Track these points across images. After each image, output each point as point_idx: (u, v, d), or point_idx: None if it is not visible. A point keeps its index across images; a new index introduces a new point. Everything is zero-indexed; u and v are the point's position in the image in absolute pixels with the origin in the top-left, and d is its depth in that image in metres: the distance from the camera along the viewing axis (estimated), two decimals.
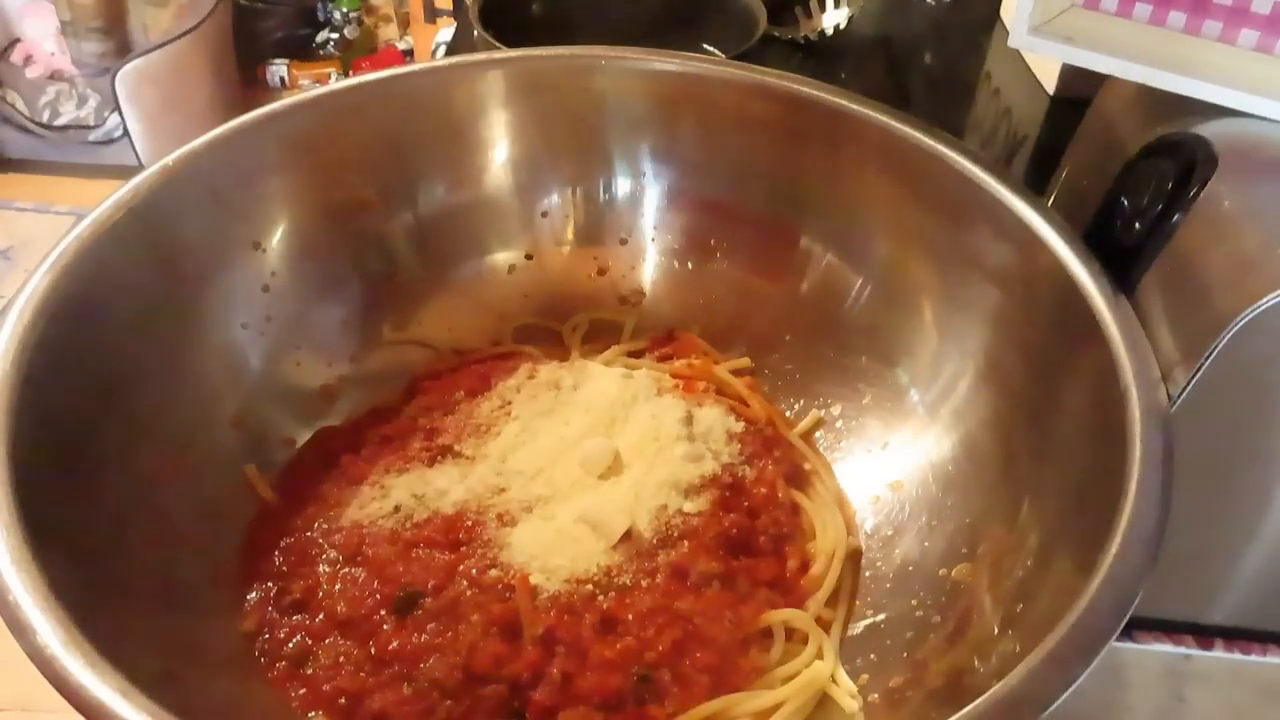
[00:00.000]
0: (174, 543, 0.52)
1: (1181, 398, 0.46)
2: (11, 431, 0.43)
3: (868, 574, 0.58)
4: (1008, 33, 0.56)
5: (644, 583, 0.53)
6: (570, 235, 0.70)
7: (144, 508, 0.51)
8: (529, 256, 0.70)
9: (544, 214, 0.69)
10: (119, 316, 0.52)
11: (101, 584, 0.44)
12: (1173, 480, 0.43)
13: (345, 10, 2.27)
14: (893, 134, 0.60)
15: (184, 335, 0.57)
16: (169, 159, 0.56)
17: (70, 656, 0.37)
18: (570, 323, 0.70)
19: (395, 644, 0.50)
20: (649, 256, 0.70)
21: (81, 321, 0.49)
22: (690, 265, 0.70)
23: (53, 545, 0.41)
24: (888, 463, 0.62)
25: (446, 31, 1.21)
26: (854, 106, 0.61)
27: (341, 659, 0.51)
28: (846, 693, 0.52)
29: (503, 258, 0.69)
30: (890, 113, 0.61)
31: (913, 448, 0.61)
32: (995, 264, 0.57)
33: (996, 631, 0.48)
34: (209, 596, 0.52)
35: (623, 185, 0.69)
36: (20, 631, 0.38)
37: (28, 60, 2.11)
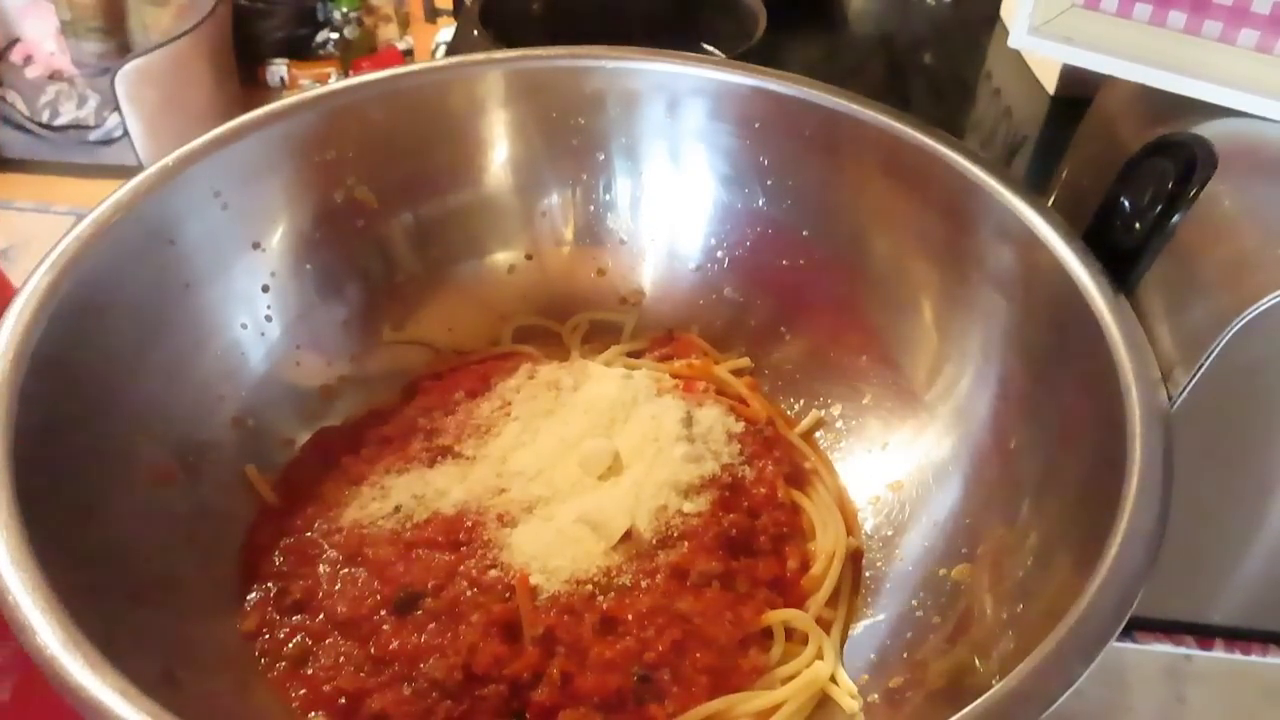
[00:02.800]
0: (174, 543, 0.52)
1: (1181, 398, 0.46)
2: (12, 432, 0.43)
3: (868, 574, 0.58)
4: (1008, 33, 0.56)
5: (644, 583, 0.53)
6: (570, 235, 0.70)
7: (144, 508, 0.51)
8: (528, 257, 0.70)
9: (543, 214, 0.69)
10: (119, 317, 0.52)
11: (102, 584, 0.44)
12: (1173, 480, 0.43)
13: (345, 10, 2.27)
14: (893, 134, 0.60)
15: (184, 335, 0.56)
16: (168, 159, 0.56)
17: (70, 657, 0.37)
18: (570, 323, 0.70)
19: (395, 644, 0.50)
20: (648, 256, 0.70)
21: (81, 322, 0.49)
22: (690, 265, 0.70)
23: (53, 545, 0.41)
24: (888, 463, 0.62)
25: (446, 31, 1.21)
26: (854, 107, 0.61)
27: (341, 659, 0.51)
28: (846, 693, 0.52)
29: (502, 258, 0.69)
30: (890, 112, 0.61)
31: (913, 448, 0.61)
32: (995, 264, 0.57)
33: (996, 631, 0.48)
34: (209, 596, 0.53)
35: (622, 185, 0.69)
36: (21, 631, 0.38)
37: (28, 60, 2.11)
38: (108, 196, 0.53)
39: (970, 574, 0.53)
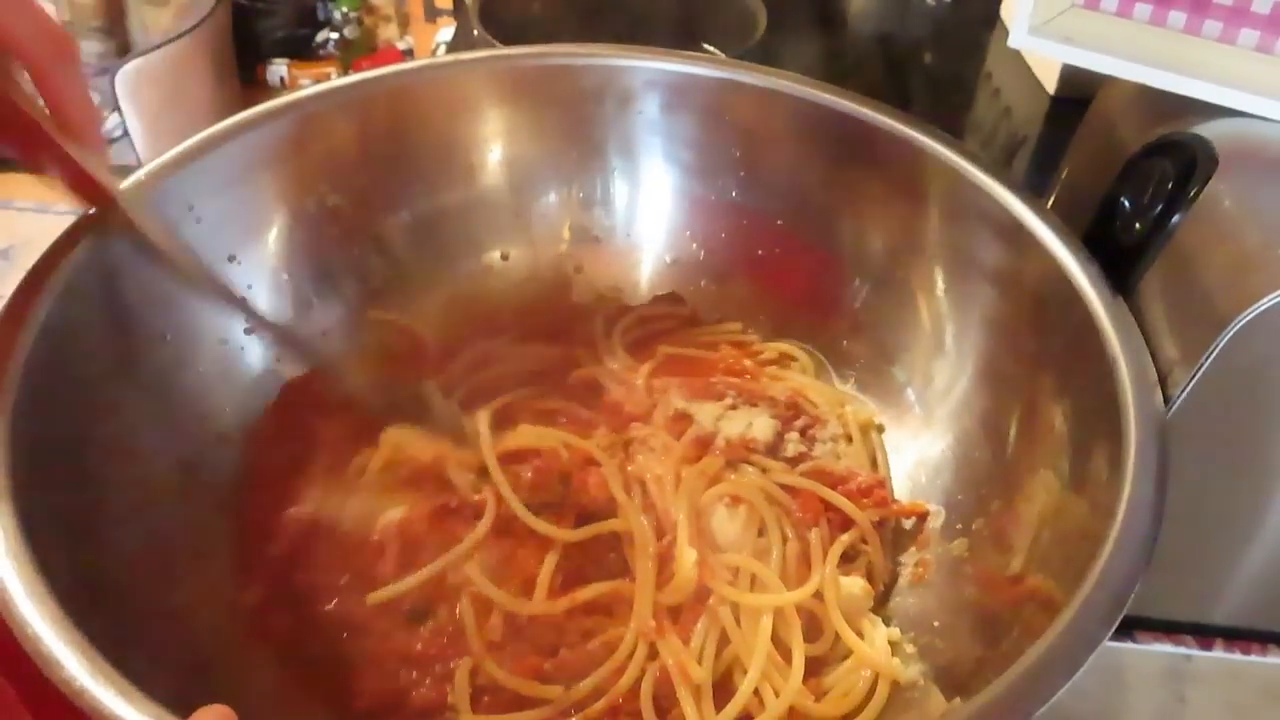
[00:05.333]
0: (176, 563, 0.51)
1: (1181, 398, 0.46)
2: (10, 458, 0.42)
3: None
4: (1008, 33, 0.56)
5: None
6: (566, 234, 0.70)
7: (143, 530, 0.49)
8: (522, 256, 0.69)
9: (540, 213, 0.69)
10: (98, 338, 0.50)
11: (110, 609, 0.43)
12: (1168, 482, 0.43)
13: (345, 10, 2.27)
14: (892, 134, 0.60)
15: (164, 354, 0.54)
16: (140, 173, 0.54)
17: (102, 688, 0.36)
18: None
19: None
20: (646, 254, 0.70)
21: (62, 345, 0.47)
22: (687, 262, 0.70)
23: (60, 571, 0.40)
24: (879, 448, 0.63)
25: (446, 31, 1.21)
26: (853, 106, 0.61)
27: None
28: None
29: (497, 257, 0.68)
30: (889, 112, 0.61)
31: (912, 445, 0.61)
32: (993, 265, 0.57)
33: (1000, 618, 0.48)
34: (214, 612, 0.51)
35: (619, 183, 0.69)
36: (46, 665, 0.37)
37: None
38: (82, 213, 0.51)
39: (968, 548, 0.54)
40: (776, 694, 0.50)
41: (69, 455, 0.47)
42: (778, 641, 0.52)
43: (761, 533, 0.56)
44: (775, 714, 0.49)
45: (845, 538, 0.56)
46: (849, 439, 0.62)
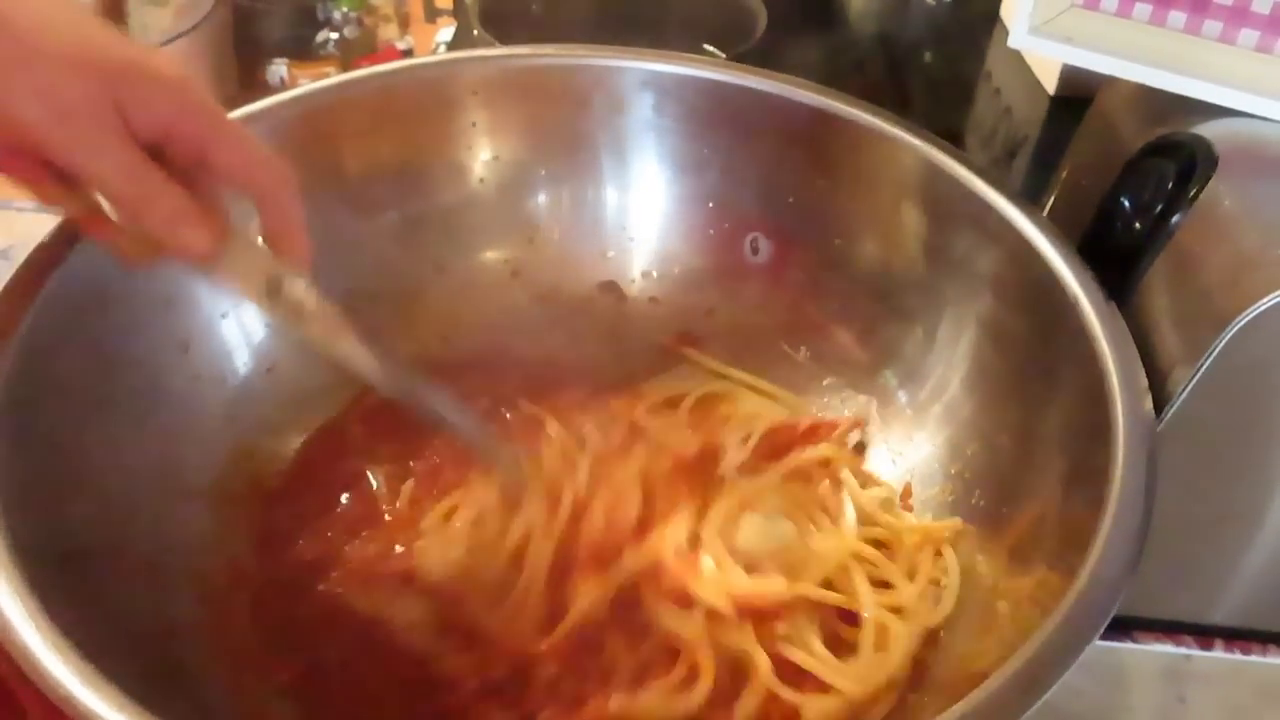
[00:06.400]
0: (165, 612, 0.49)
1: (1182, 398, 0.46)
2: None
3: None
4: (1008, 33, 0.56)
5: None
6: (558, 235, 0.69)
7: (141, 579, 0.48)
8: (511, 256, 0.68)
9: (530, 213, 0.68)
10: (65, 386, 0.49)
11: (113, 639, 0.41)
12: (1156, 488, 0.42)
13: (345, 10, 2.27)
14: (885, 137, 0.60)
15: (133, 401, 0.53)
16: None
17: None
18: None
19: None
20: (639, 255, 0.70)
21: (30, 393, 0.46)
22: (682, 262, 0.69)
23: (61, 606, 0.39)
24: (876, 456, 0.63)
25: (446, 31, 1.21)
26: (848, 109, 0.61)
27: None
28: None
29: (486, 257, 0.68)
30: (883, 115, 0.61)
31: (903, 448, 0.61)
32: (986, 269, 0.57)
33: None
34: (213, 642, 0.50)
35: (610, 184, 0.69)
36: (65, 703, 0.36)
37: None
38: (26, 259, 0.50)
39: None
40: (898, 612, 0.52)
41: (54, 468, 0.46)
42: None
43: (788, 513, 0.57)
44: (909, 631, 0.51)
45: (842, 474, 0.59)
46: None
